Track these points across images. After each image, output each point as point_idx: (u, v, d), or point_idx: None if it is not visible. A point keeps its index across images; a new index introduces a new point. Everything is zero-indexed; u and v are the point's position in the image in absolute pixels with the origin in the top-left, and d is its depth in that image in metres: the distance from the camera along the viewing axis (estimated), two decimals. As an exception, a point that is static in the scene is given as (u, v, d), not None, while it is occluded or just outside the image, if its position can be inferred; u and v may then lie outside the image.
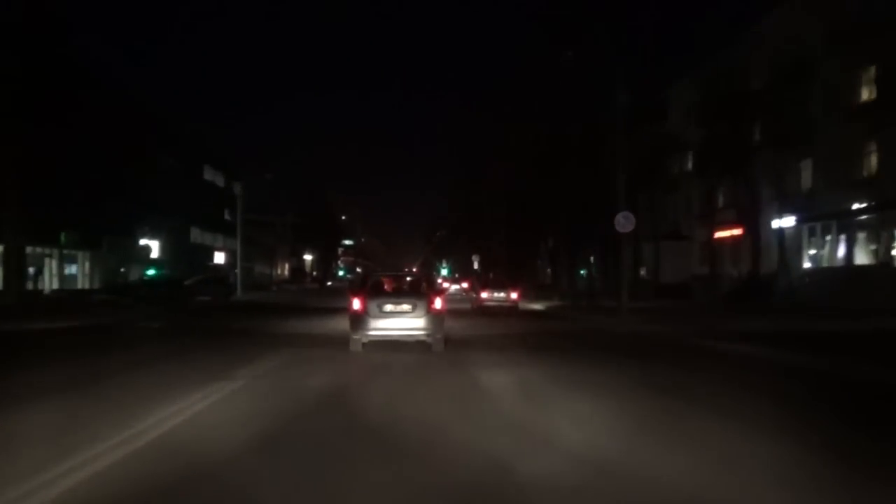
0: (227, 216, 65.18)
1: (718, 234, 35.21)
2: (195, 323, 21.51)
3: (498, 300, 28.21)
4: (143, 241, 43.69)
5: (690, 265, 39.93)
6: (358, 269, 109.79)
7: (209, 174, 60.59)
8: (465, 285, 55.39)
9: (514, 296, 28.82)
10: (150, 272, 42.45)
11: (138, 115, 42.07)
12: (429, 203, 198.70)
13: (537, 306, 33.29)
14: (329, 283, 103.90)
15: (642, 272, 43.34)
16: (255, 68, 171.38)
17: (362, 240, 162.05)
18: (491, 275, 42.29)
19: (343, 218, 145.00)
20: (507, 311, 26.92)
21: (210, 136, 77.29)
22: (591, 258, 43.34)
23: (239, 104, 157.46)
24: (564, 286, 42.55)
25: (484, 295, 28.65)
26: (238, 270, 49.39)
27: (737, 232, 33.13)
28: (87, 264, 37.44)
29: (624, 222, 21.23)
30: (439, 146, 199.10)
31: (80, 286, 36.48)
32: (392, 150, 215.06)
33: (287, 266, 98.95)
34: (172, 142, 49.27)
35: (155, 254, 45.32)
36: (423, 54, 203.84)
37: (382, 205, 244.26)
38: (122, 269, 41.29)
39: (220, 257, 61.28)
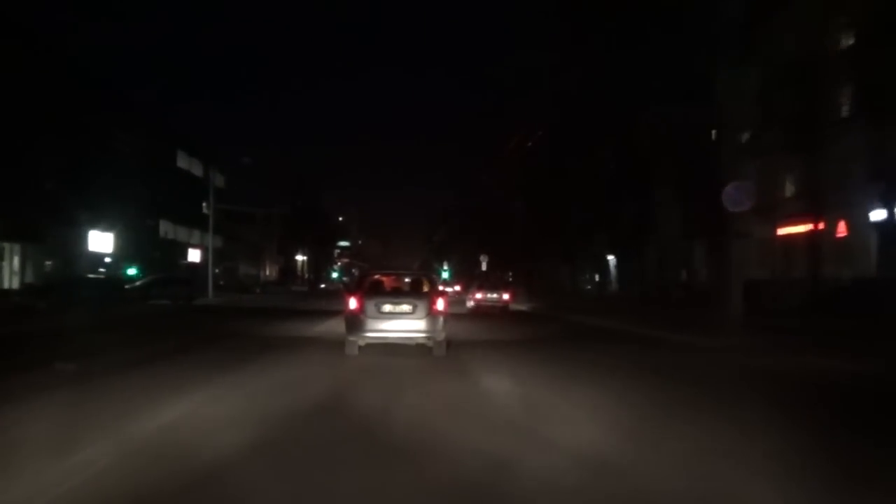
0: (205, 210, 58.82)
1: (786, 230, 28.87)
2: (110, 337, 15.16)
3: (491, 301, 30.10)
4: (96, 234, 37.21)
5: (746, 268, 33.57)
6: (354, 271, 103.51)
7: (184, 161, 54.11)
8: (457, 288, 52.85)
9: (505, 297, 30.77)
10: (104, 270, 36.13)
11: (90, 88, 35.75)
12: (429, 204, 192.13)
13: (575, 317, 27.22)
14: (322, 286, 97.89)
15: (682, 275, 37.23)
16: (244, 56, 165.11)
17: (359, 242, 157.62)
18: (486, 277, 42.95)
19: (340, 219, 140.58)
20: (499, 311, 28.85)
21: (187, 121, 70.30)
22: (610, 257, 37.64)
23: (231, 95, 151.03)
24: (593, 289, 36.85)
25: (478, 296, 30.43)
26: (210, 268, 42.89)
27: (811, 227, 26.80)
28: (15, 259, 30.95)
29: (737, 196, 14.75)
30: (445, 140, 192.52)
31: (6, 285, 30.09)
32: (391, 146, 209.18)
33: (277, 267, 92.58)
34: (136, 122, 42.76)
35: (110, 248, 38.75)
36: (430, 36, 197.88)
37: (380, 206, 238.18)
38: (66, 267, 34.76)
39: (195, 255, 54.76)
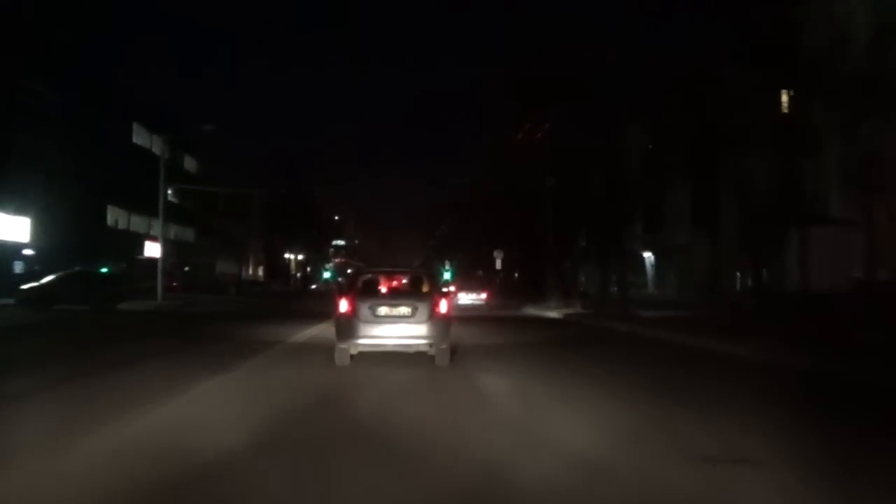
0: (172, 197, 50.57)
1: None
2: None
3: (471, 300, 31.36)
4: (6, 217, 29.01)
5: (841, 264, 25.40)
6: (350, 271, 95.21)
7: (143, 138, 45.86)
8: (451, 289, 44.39)
9: (483, 296, 32.15)
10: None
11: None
12: (429, 202, 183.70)
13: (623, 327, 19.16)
14: (313, 287, 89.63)
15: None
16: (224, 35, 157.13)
17: (356, 241, 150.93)
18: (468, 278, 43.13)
19: (336, 218, 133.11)
20: (479, 310, 28.89)
21: (149, 91, 61.88)
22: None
23: (222, 88, 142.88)
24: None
25: (460, 297, 30.78)
26: (161, 264, 34.72)
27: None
28: None
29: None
30: (450, 129, 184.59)
31: None
32: (390, 140, 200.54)
33: (262, 265, 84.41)
34: (68, 85, 34.45)
35: (25, 236, 30.49)
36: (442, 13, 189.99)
37: (378, 205, 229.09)
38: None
39: (153, 249, 46.32)
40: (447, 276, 75.71)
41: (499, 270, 41.74)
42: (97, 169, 37.11)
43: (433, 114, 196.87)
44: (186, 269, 54.74)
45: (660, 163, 37.94)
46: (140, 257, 44.08)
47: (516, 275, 46.75)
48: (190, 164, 55.56)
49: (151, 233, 47.72)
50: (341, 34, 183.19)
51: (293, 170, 70.55)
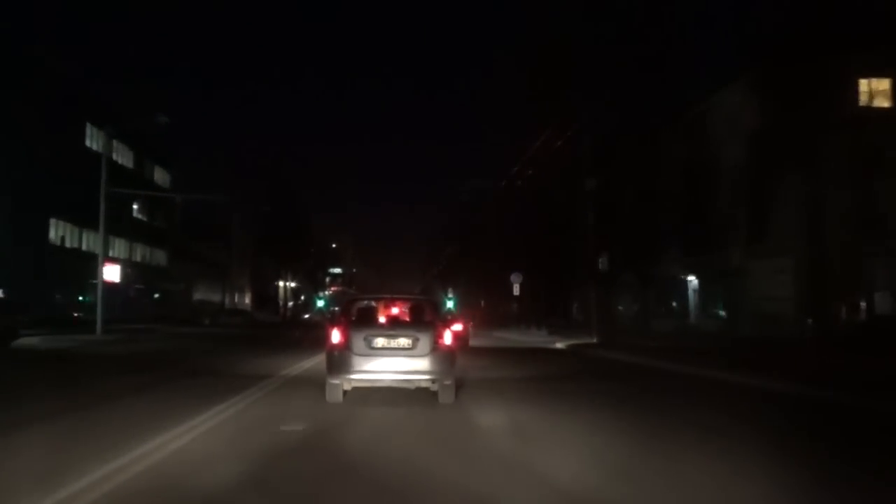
0: (136, 213, 44.41)
1: None
2: None
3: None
4: None
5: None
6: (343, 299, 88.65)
7: (99, 143, 39.70)
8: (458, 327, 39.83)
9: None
10: None
11: None
12: (433, 224, 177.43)
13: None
14: (306, 316, 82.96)
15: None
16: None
17: (353, 270, 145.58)
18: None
19: (333, 246, 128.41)
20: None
21: (113, 94, 55.76)
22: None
23: (215, 107, 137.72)
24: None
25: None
26: (100, 289, 28.27)
27: None
28: None
29: None
30: (451, 146, 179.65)
31: None
32: (387, 164, 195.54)
33: (251, 293, 77.88)
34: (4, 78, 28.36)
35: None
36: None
37: (376, 233, 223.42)
38: None
39: (110, 272, 39.86)
40: (450, 304, 68.79)
41: (517, 297, 35.33)
42: (37, 176, 30.96)
43: (434, 131, 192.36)
44: (157, 295, 48.30)
45: (708, 173, 32.20)
46: (92, 281, 37.63)
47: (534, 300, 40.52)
48: (161, 177, 49.41)
49: (113, 254, 41.42)
50: (336, 51, 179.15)
51: (282, 188, 64.35)
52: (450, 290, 73.48)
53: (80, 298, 37.15)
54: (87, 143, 37.32)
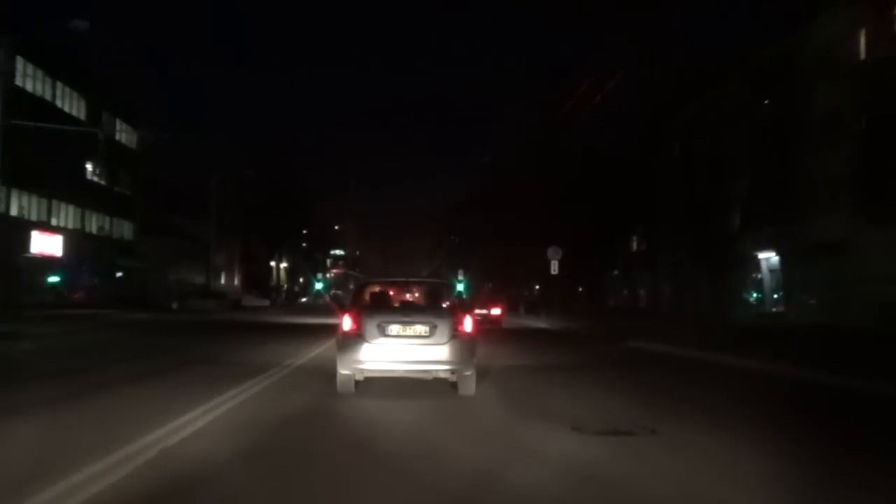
0: (96, 175, 37.41)
1: None
2: None
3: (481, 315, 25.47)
4: None
5: None
6: (351, 286, 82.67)
7: (44, 85, 32.68)
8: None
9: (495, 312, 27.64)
10: None
11: None
12: (440, 203, 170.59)
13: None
14: (303, 300, 76.28)
15: None
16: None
17: (357, 253, 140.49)
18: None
19: (336, 228, 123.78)
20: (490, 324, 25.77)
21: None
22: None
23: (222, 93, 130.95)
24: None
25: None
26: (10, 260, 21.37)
27: None
28: None
29: None
30: (463, 125, 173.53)
31: None
32: (392, 135, 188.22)
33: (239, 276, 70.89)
34: None
35: None
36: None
37: (381, 214, 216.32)
38: None
39: (46, 243, 32.76)
40: (460, 287, 61.11)
41: (554, 277, 27.93)
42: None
43: (442, 108, 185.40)
44: (119, 274, 41.37)
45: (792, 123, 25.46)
46: (27, 255, 30.69)
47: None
48: (128, 137, 42.28)
49: (57, 223, 34.40)
50: (340, 31, 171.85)
51: (272, 155, 57.19)
52: (460, 272, 66.52)
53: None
54: (24, 84, 30.02)
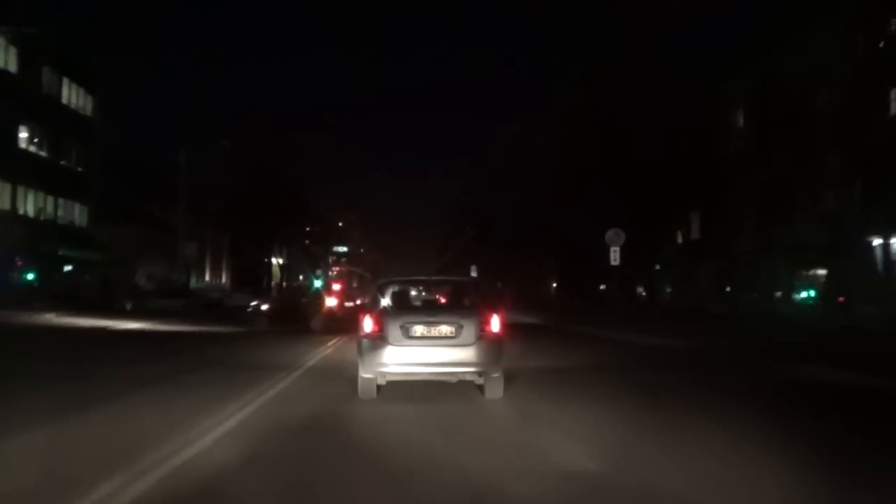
0: (33, 145, 30.71)
1: None
2: None
3: None
4: None
5: None
6: (355, 285, 76.44)
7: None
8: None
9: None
10: None
11: None
12: (446, 202, 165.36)
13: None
14: (303, 300, 69.36)
15: None
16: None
17: (361, 250, 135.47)
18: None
19: (340, 224, 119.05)
20: None
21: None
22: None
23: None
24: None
25: None
26: None
27: None
28: None
29: None
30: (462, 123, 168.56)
31: None
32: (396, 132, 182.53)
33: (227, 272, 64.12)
34: None
35: None
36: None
37: (384, 211, 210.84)
38: None
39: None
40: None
41: (615, 266, 20.38)
42: None
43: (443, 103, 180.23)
44: (68, 268, 34.55)
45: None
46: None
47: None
48: (79, 99, 35.39)
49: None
50: (344, 24, 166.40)
51: (261, 135, 50.44)
52: (473, 268, 59.71)
53: None
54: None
